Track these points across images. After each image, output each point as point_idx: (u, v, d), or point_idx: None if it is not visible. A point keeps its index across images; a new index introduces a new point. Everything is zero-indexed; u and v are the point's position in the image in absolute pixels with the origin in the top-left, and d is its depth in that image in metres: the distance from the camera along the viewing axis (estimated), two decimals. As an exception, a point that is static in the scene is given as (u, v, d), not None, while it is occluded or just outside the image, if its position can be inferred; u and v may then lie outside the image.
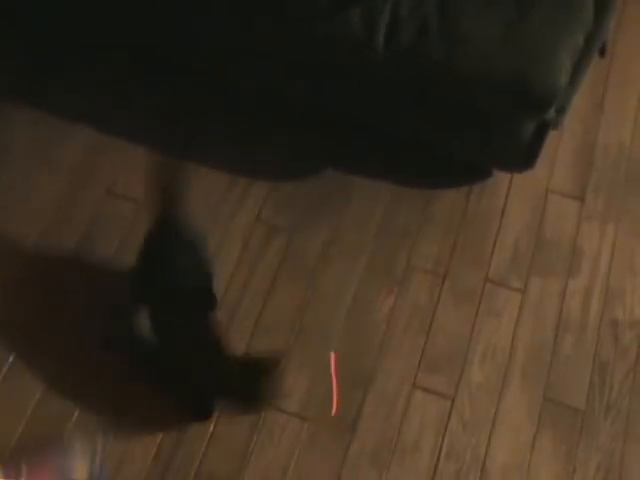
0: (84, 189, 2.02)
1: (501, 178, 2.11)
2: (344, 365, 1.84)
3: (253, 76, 2.00)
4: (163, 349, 1.70)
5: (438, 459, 1.77)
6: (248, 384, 1.55)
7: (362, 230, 2.01)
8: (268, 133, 2.12)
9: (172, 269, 1.66)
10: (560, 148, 2.16)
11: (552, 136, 1.93)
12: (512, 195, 2.09)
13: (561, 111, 1.81)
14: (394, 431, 1.80)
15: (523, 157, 1.97)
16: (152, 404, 1.76)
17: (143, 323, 1.73)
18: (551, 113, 1.80)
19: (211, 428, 1.76)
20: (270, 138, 2.12)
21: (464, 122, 1.92)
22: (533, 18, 1.77)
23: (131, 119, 2.11)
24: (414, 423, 1.81)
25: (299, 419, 1.78)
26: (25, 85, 2.15)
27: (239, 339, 1.83)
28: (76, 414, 1.74)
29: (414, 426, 1.80)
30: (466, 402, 1.84)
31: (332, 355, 1.83)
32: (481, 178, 2.11)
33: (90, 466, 1.69)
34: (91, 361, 1.80)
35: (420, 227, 2.03)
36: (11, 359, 1.79)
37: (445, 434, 1.80)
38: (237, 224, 1.98)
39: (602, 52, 1.90)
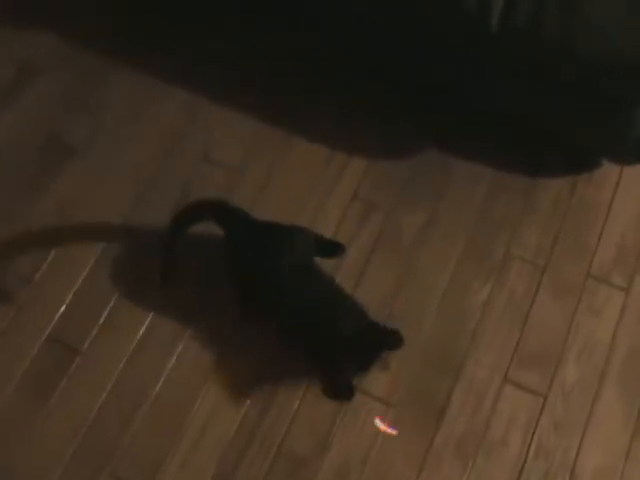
0: (179, 152, 1.98)
1: (610, 170, 2.00)
2: (435, 350, 1.79)
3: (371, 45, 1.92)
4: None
5: (526, 457, 1.71)
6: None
7: (461, 214, 1.93)
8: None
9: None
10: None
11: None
12: (621, 189, 1.98)
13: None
14: (482, 424, 1.74)
15: (636, 148, 1.86)
16: (239, 370, 1.76)
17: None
18: (674, 106, 1.69)
19: (295, 405, 1.73)
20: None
21: (577, 104, 1.81)
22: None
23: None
24: (503, 418, 1.74)
25: (384, 404, 1.74)
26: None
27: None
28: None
29: (503, 421, 1.74)
30: (559, 401, 1.76)
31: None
32: (589, 167, 2.01)
33: None
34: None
35: (521, 215, 1.94)
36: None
37: (535, 432, 1.73)
38: (333, 200, 1.92)
39: None
